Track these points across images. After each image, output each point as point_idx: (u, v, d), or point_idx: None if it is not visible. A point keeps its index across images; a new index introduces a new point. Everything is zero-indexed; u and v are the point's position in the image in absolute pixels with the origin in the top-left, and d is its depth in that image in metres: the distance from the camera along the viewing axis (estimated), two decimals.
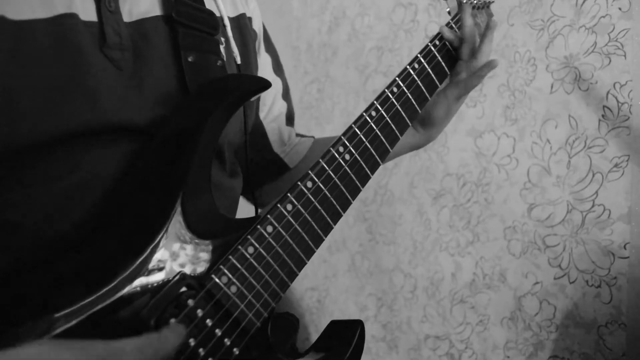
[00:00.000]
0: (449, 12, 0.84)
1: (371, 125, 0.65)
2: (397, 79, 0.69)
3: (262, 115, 0.84)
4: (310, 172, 0.59)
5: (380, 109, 0.67)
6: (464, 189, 1.42)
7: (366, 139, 0.65)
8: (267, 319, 0.57)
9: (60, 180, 0.54)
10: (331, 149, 0.61)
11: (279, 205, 0.57)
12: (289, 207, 0.57)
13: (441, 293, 1.46)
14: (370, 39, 1.67)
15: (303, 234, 0.58)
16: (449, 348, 1.44)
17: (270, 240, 0.56)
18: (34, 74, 0.52)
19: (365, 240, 1.67)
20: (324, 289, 1.79)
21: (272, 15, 1.95)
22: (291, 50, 1.92)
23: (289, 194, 0.58)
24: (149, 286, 0.49)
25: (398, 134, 0.69)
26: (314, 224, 0.59)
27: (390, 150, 0.68)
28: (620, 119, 1.11)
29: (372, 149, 0.65)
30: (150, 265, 0.49)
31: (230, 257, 0.53)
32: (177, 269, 0.51)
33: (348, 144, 0.63)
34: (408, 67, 0.71)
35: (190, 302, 0.50)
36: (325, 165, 0.60)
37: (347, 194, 0.63)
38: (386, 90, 0.68)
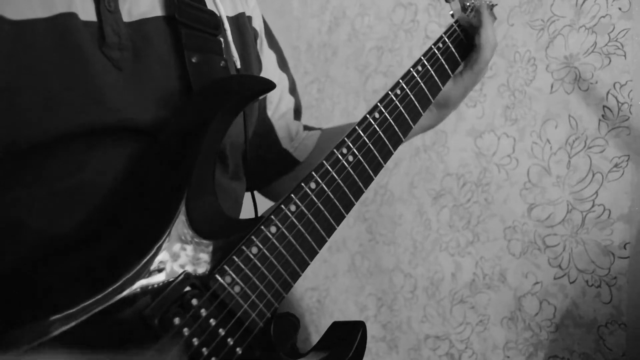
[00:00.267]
0: (452, 15, 0.84)
1: (375, 128, 0.66)
2: (400, 81, 0.69)
3: (269, 112, 0.85)
4: (313, 173, 0.59)
5: (384, 111, 0.67)
6: (464, 189, 1.42)
7: (369, 141, 0.65)
8: (270, 319, 0.57)
9: (62, 181, 0.54)
10: (335, 150, 0.62)
11: (282, 206, 0.57)
12: (293, 208, 0.58)
13: (441, 293, 1.46)
14: (370, 39, 1.67)
15: (306, 234, 0.59)
16: (449, 348, 1.44)
17: (274, 241, 0.56)
18: (34, 74, 0.52)
19: (365, 240, 1.67)
20: (324, 289, 1.79)
21: (272, 15, 1.95)
22: (291, 50, 1.92)
23: (292, 195, 0.58)
24: (153, 286, 0.49)
25: (401, 136, 0.69)
26: (317, 225, 0.60)
27: (394, 152, 0.68)
28: (620, 119, 1.11)
29: (375, 151, 0.66)
30: (155, 265, 0.50)
31: (234, 257, 0.53)
32: (181, 269, 0.51)
33: (352, 146, 0.63)
34: (412, 69, 0.71)
35: (194, 301, 0.50)
36: (328, 167, 0.61)
37: (350, 195, 0.63)
38: (390, 92, 0.68)
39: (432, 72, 0.74)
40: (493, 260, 1.34)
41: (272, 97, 0.85)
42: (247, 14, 0.78)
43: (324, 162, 0.60)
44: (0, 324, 0.44)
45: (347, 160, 0.62)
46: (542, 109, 1.25)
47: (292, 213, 0.57)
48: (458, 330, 1.42)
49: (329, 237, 0.61)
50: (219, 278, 0.52)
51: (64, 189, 0.54)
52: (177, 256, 0.51)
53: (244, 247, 0.54)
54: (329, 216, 0.61)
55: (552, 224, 1.22)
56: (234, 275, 0.53)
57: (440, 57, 0.75)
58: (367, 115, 0.65)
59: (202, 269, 0.52)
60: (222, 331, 0.52)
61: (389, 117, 0.67)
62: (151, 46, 0.61)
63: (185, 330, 0.49)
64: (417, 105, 0.71)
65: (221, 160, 0.69)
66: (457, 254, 1.43)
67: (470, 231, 1.40)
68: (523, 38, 1.29)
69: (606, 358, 1.12)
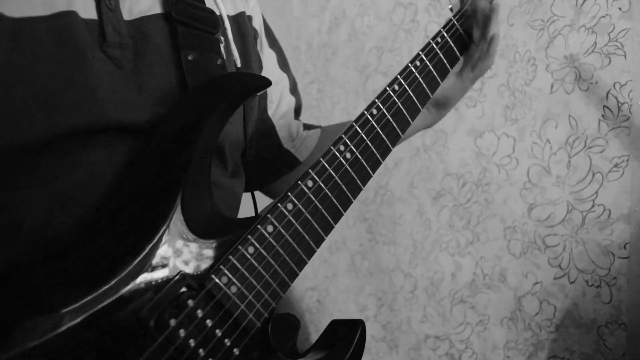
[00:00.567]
0: (451, 9, 0.84)
1: (372, 124, 0.65)
2: (398, 76, 0.68)
3: (270, 112, 0.84)
4: (310, 171, 0.59)
5: (381, 107, 0.66)
6: (464, 189, 1.41)
7: (367, 138, 0.64)
8: (268, 319, 0.56)
9: (60, 179, 0.53)
10: (332, 147, 0.61)
11: (279, 204, 0.56)
12: (290, 206, 0.57)
13: (441, 293, 1.46)
14: (370, 39, 1.67)
15: (304, 233, 0.58)
16: (449, 348, 1.44)
17: (271, 240, 0.55)
18: (34, 72, 0.52)
19: (365, 240, 1.67)
20: (324, 289, 1.79)
21: (272, 15, 1.95)
22: (291, 50, 1.92)
23: (289, 193, 0.57)
24: (149, 286, 0.49)
25: (400, 133, 0.68)
26: (314, 224, 0.59)
27: (392, 148, 0.67)
28: (620, 119, 1.11)
29: (373, 148, 0.65)
30: (150, 265, 0.49)
31: (231, 257, 0.53)
32: (177, 269, 0.51)
33: (349, 143, 0.62)
34: (410, 64, 0.70)
35: (191, 302, 0.49)
36: (326, 164, 0.60)
37: (348, 193, 0.62)
38: (387, 88, 0.67)
39: (431, 67, 0.73)
40: (493, 260, 1.34)
41: (272, 97, 0.84)
42: (248, 13, 0.78)
43: (321, 159, 0.60)
44: None
45: (344, 158, 0.62)
46: (542, 109, 1.25)
47: (289, 211, 0.57)
48: (458, 330, 1.42)
49: (326, 236, 0.60)
50: (215, 278, 0.51)
51: (61, 188, 0.53)
52: (173, 256, 0.51)
53: (240, 247, 0.53)
54: (326, 214, 0.60)
55: (552, 224, 1.22)
56: (230, 275, 0.52)
57: (439, 52, 0.74)
58: (365, 112, 0.64)
59: (198, 269, 0.52)
60: (218, 332, 0.51)
61: (387, 114, 0.66)
62: (150, 44, 0.61)
63: (182, 332, 0.48)
64: (416, 100, 0.70)
65: (220, 159, 0.69)
66: (457, 254, 1.42)
67: (470, 231, 1.39)
68: (523, 38, 1.28)
69: (606, 358, 1.12)
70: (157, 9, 0.63)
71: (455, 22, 0.78)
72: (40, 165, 0.53)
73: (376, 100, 0.66)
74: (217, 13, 0.70)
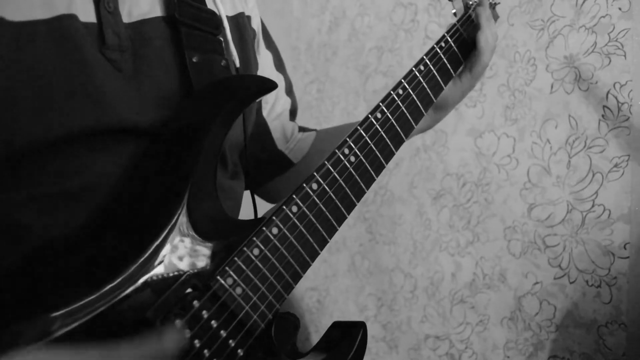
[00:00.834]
0: (454, 14, 0.84)
1: (376, 128, 0.65)
2: (402, 80, 0.69)
3: (265, 113, 0.84)
4: (315, 174, 0.59)
5: (386, 111, 0.66)
6: (464, 189, 1.42)
7: (371, 141, 0.64)
8: (271, 320, 0.57)
9: (63, 183, 0.54)
10: (336, 150, 0.61)
11: (284, 207, 0.56)
12: (294, 209, 0.57)
13: (441, 293, 1.46)
14: (370, 39, 1.67)
15: (308, 235, 0.58)
16: (449, 348, 1.44)
17: (276, 242, 0.56)
18: (34, 76, 0.52)
19: (365, 240, 1.67)
20: (324, 289, 1.79)
21: (272, 15, 1.95)
22: (291, 50, 1.92)
23: (294, 196, 0.57)
24: (154, 287, 0.49)
25: (403, 136, 0.68)
26: (318, 226, 0.59)
27: (395, 152, 0.68)
28: (620, 119, 1.11)
29: (377, 151, 0.65)
30: (155, 265, 0.49)
31: (236, 258, 0.53)
32: (183, 270, 0.51)
33: (353, 146, 0.62)
34: (414, 69, 0.70)
35: (196, 303, 0.50)
36: (330, 168, 0.60)
37: (352, 196, 0.62)
38: (392, 92, 0.67)
39: (435, 71, 0.73)
40: (493, 260, 1.34)
41: (267, 97, 0.84)
42: (247, 13, 0.78)
43: (326, 162, 0.60)
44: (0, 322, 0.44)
45: (349, 161, 0.62)
46: (542, 109, 1.25)
47: (294, 214, 0.57)
48: (458, 330, 1.42)
49: (330, 238, 0.61)
50: (221, 279, 0.52)
51: (64, 191, 0.54)
52: (179, 257, 0.51)
53: (245, 249, 0.53)
54: (330, 217, 0.60)
55: (552, 224, 1.23)
56: (235, 277, 0.52)
57: (442, 57, 0.75)
58: (369, 115, 0.65)
59: (203, 270, 0.52)
60: (223, 333, 0.51)
61: (391, 117, 0.67)
62: (151, 47, 0.61)
63: (187, 332, 0.48)
64: (420, 105, 0.70)
65: (221, 160, 0.69)
66: (457, 254, 1.43)
67: (470, 231, 1.40)
68: (523, 38, 1.29)
69: (606, 358, 1.12)
70: (157, 12, 0.63)
71: (460, 28, 0.79)
72: (43, 169, 0.53)
73: (380, 104, 0.66)
74: (217, 14, 0.70)
